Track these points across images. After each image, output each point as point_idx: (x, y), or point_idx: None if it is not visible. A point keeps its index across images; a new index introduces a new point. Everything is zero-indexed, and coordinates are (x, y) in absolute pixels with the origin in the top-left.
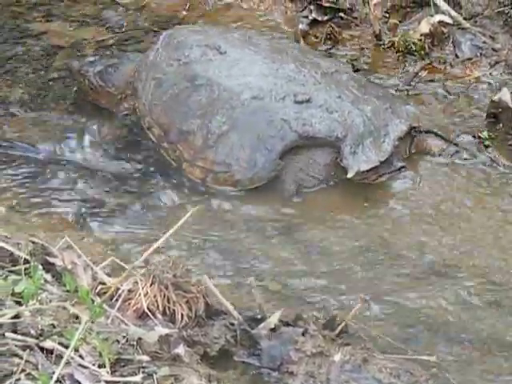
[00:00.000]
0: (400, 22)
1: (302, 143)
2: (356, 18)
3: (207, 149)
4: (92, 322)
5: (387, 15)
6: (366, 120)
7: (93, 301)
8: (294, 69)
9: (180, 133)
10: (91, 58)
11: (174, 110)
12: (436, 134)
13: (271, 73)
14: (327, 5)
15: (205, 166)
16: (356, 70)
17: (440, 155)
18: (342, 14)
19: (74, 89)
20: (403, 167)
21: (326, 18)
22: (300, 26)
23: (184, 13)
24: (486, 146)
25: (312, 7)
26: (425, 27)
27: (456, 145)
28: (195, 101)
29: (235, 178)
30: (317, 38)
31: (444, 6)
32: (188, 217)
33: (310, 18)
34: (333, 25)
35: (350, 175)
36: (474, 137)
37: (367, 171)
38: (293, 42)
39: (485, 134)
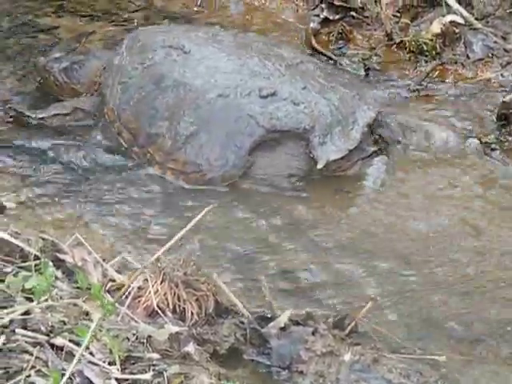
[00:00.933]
0: (411, 21)
1: (270, 138)
2: (367, 17)
3: (177, 150)
4: (103, 320)
5: (399, 15)
6: (333, 109)
7: (105, 298)
8: (259, 63)
9: (149, 136)
10: (57, 55)
11: (141, 113)
12: None
13: (236, 69)
14: (339, 3)
15: (176, 167)
16: (367, 69)
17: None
18: (353, 13)
19: (37, 85)
20: (375, 152)
21: (337, 16)
22: (311, 25)
23: (195, 9)
24: (492, 149)
25: (323, 6)
26: (436, 27)
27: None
28: (162, 103)
29: (207, 178)
30: (328, 36)
31: (455, 6)
32: (202, 216)
33: (322, 16)
34: (344, 24)
35: (320, 166)
36: (479, 140)
37: (338, 160)
38: (257, 35)
39: (492, 138)
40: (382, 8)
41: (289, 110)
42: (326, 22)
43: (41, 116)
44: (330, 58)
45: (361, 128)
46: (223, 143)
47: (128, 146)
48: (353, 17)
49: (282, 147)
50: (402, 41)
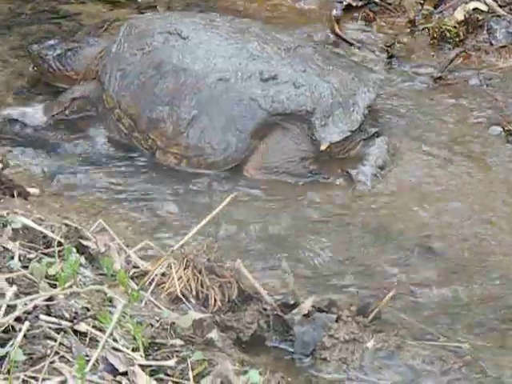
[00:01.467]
0: (435, 8)
1: (272, 121)
2: (390, 3)
3: (179, 135)
4: (127, 306)
5: (422, 1)
6: (333, 91)
7: (130, 285)
8: (257, 47)
9: (150, 121)
10: (51, 42)
11: (141, 99)
12: None
13: (235, 53)
14: None
15: (178, 151)
16: (390, 57)
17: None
18: (376, 0)
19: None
20: (376, 133)
21: (360, 3)
22: (334, 12)
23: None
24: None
25: None
26: (460, 14)
27: None
28: (162, 88)
29: (209, 161)
30: (351, 23)
31: None
32: (225, 204)
33: (345, 3)
34: (367, 10)
35: (323, 147)
36: (503, 127)
37: (341, 142)
38: (253, 21)
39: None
40: None
41: (290, 93)
42: (349, 8)
43: (44, 124)
44: (353, 45)
45: (361, 110)
46: (225, 127)
47: (128, 132)
48: (376, 3)
49: (283, 130)
50: (425, 28)
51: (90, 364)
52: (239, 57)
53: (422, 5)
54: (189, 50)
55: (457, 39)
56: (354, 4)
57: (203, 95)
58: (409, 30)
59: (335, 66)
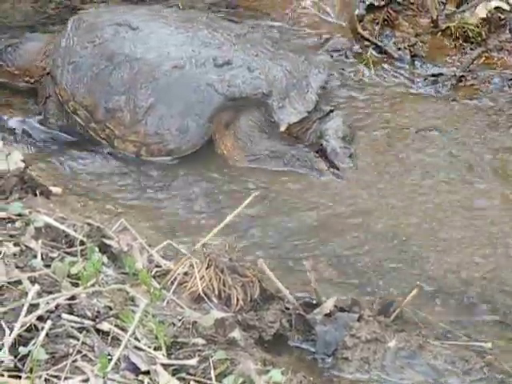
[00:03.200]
0: (457, 7)
1: (229, 105)
2: (413, 3)
3: (137, 123)
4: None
5: (444, 1)
6: (287, 74)
7: (152, 284)
8: (208, 34)
9: (107, 111)
10: None
11: (96, 90)
12: None
13: (187, 41)
14: None
15: (137, 139)
16: (413, 56)
17: None
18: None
19: None
20: (332, 111)
21: (382, 2)
22: (356, 11)
23: None
24: None
25: None
26: (482, 11)
27: None
28: (117, 78)
29: (169, 148)
30: (373, 23)
31: None
32: (248, 202)
33: (367, 2)
34: (390, 10)
35: (282, 128)
36: None
37: (298, 122)
38: (200, 11)
39: None
40: None
41: (246, 77)
42: (371, 8)
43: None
44: (376, 45)
45: (315, 90)
46: (183, 113)
47: (85, 124)
48: (398, 3)
49: (240, 114)
50: (447, 27)
51: (112, 363)
52: (191, 44)
53: (444, 4)
54: (140, 40)
55: (479, 39)
56: (377, 3)
57: (159, 83)
58: (431, 29)
59: (285, 49)
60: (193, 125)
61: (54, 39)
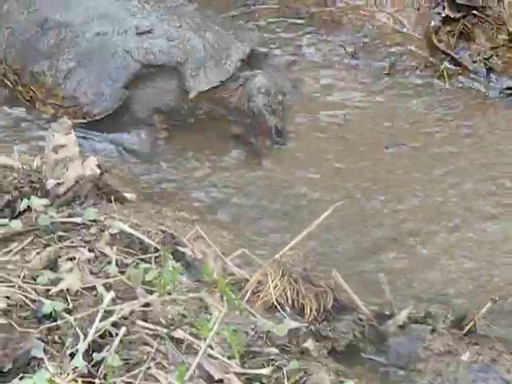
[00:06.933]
0: None
1: (145, 72)
2: (489, 15)
3: (57, 86)
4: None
5: None
6: (206, 45)
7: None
8: (137, 4)
9: (32, 75)
10: None
11: (25, 54)
12: None
13: (114, 10)
14: (461, 2)
15: (56, 102)
16: (488, 69)
17: None
18: (475, 12)
19: None
20: (254, 76)
21: (458, 15)
22: (432, 23)
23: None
24: None
25: (445, 4)
26: None
27: None
28: (44, 43)
29: (84, 111)
30: (449, 35)
31: None
32: (326, 216)
33: (443, 14)
34: (466, 22)
35: (191, 96)
36: None
37: (215, 89)
38: None
39: None
40: (504, 7)
41: (163, 46)
42: (447, 20)
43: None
44: (451, 57)
45: (234, 63)
46: (99, 78)
47: (13, 86)
48: (474, 15)
49: (156, 82)
50: None
51: (190, 372)
52: (119, 13)
53: None
54: (71, 6)
55: None
56: (453, 15)
57: (81, 49)
58: (508, 42)
59: (213, 23)
60: (107, 90)
61: None
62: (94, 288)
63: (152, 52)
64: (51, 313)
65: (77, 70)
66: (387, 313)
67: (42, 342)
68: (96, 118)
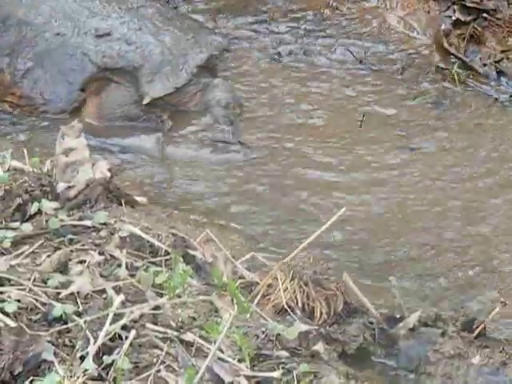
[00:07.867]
0: None
1: (102, 75)
2: (500, 18)
3: (14, 84)
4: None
5: None
6: (164, 50)
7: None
8: (99, 5)
9: None
10: None
11: None
12: None
13: (76, 10)
14: (471, 5)
15: (13, 100)
16: (498, 72)
17: None
18: (485, 15)
19: None
20: (212, 82)
21: (469, 18)
22: (443, 26)
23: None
24: None
25: (456, 7)
26: None
27: None
28: (5, 41)
29: (39, 110)
30: (459, 38)
31: None
32: (336, 218)
33: (454, 17)
34: (476, 25)
35: (145, 102)
36: None
37: (171, 95)
38: None
39: None
40: None
41: (121, 49)
42: (457, 23)
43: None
44: (461, 60)
45: (190, 69)
46: (56, 79)
47: None
48: (485, 18)
49: (114, 85)
50: None
51: (199, 375)
52: (80, 14)
53: None
54: (34, 5)
55: None
56: (463, 19)
57: (40, 48)
58: None
59: (174, 26)
60: (63, 91)
61: None
62: (104, 291)
63: (109, 55)
64: (61, 316)
65: (35, 69)
66: (397, 316)
67: (53, 344)
68: (52, 117)
